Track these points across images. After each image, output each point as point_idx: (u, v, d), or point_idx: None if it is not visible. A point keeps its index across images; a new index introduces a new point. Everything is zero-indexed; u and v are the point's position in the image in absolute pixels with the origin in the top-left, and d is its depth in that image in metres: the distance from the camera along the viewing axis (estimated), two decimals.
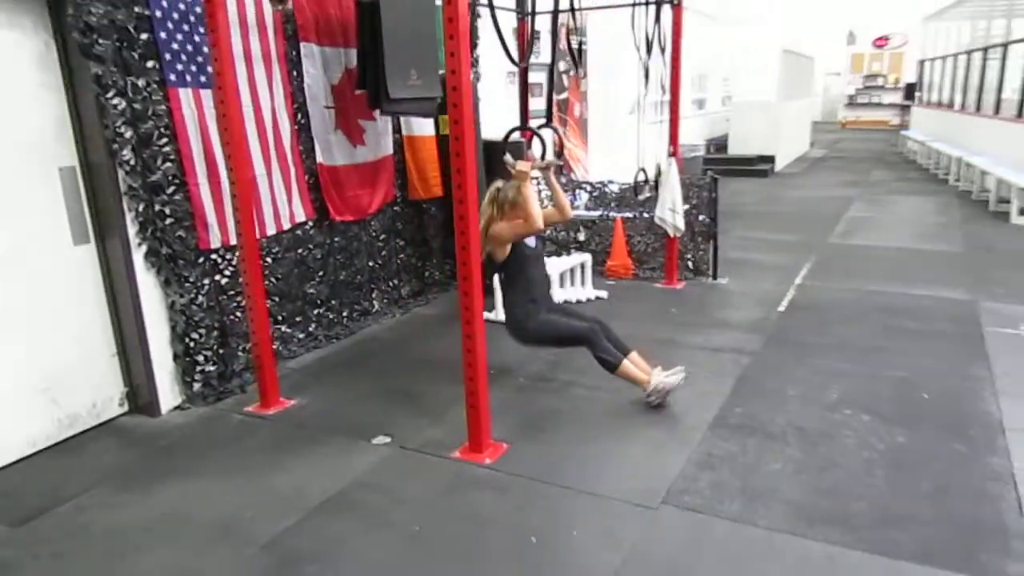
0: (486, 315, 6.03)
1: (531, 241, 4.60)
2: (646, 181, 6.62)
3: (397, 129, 6.27)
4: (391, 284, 6.40)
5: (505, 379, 4.80)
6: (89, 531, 3.32)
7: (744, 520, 3.22)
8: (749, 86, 16.53)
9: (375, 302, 6.22)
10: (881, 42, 25.85)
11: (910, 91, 22.89)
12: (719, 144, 16.10)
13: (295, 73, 5.25)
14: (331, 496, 3.50)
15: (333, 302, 5.77)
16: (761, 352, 5.21)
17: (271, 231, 5.13)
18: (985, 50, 13.87)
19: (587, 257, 6.67)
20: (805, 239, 8.80)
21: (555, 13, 6.07)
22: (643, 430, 4.10)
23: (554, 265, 6.30)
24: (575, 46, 5.95)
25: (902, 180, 13.92)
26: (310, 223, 5.48)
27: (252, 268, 4.31)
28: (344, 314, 5.88)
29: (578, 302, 6.39)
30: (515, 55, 5.74)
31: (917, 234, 9.04)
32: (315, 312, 5.62)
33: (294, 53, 5.22)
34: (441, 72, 5.78)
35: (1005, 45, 12.62)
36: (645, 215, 7.20)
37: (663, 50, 6.07)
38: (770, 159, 15.06)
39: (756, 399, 4.44)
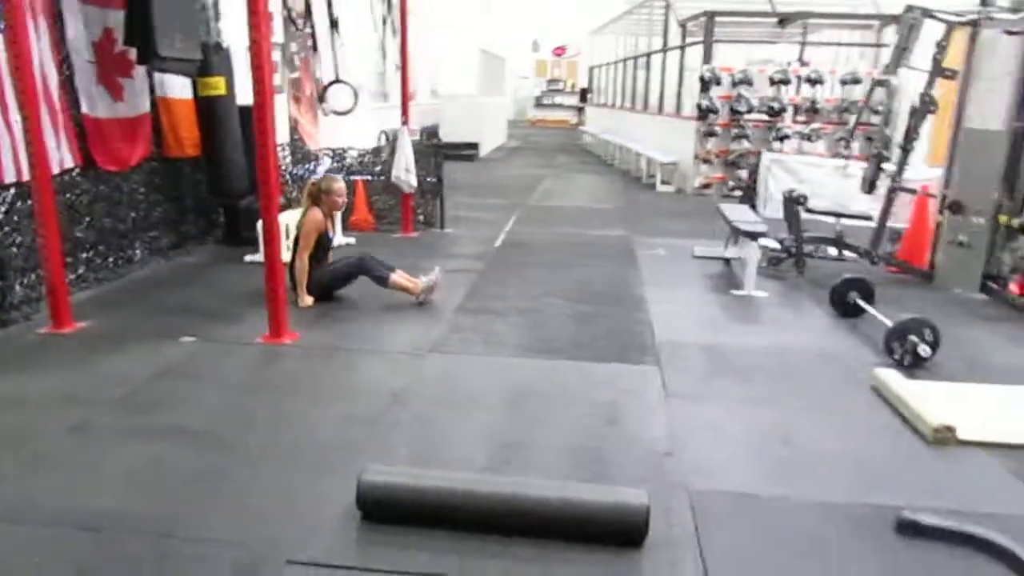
0: (252, 257, 6.83)
1: (331, 233, 5.81)
2: (388, 143, 7.82)
3: (152, 90, 6.72)
4: (152, 235, 6.82)
5: None
6: None
7: (487, 354, 4.60)
8: (453, 81, 18.46)
9: (138, 251, 6.62)
10: (559, 51, 29.82)
11: (584, 95, 26.83)
12: (431, 132, 17.77)
13: (59, 25, 5.57)
14: (157, 372, 4.20)
15: (100, 247, 6.11)
16: (484, 270, 6.72)
17: None
18: (635, 59, 17.25)
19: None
20: (510, 202, 10.67)
21: None
22: (404, 317, 5.33)
23: None
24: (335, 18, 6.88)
25: (581, 164, 16.82)
26: (77, 170, 5.81)
27: (44, 195, 4.71)
28: (110, 259, 6.25)
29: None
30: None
31: (592, 198, 11.44)
32: (84, 255, 5.94)
33: (56, 7, 5.54)
34: (203, 39, 6.47)
35: (648, 55, 15.90)
36: (381, 178, 8.40)
37: (395, 32, 7.31)
38: (475, 146, 17.09)
39: (484, 296, 5.90)
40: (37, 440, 3.35)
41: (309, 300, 5.51)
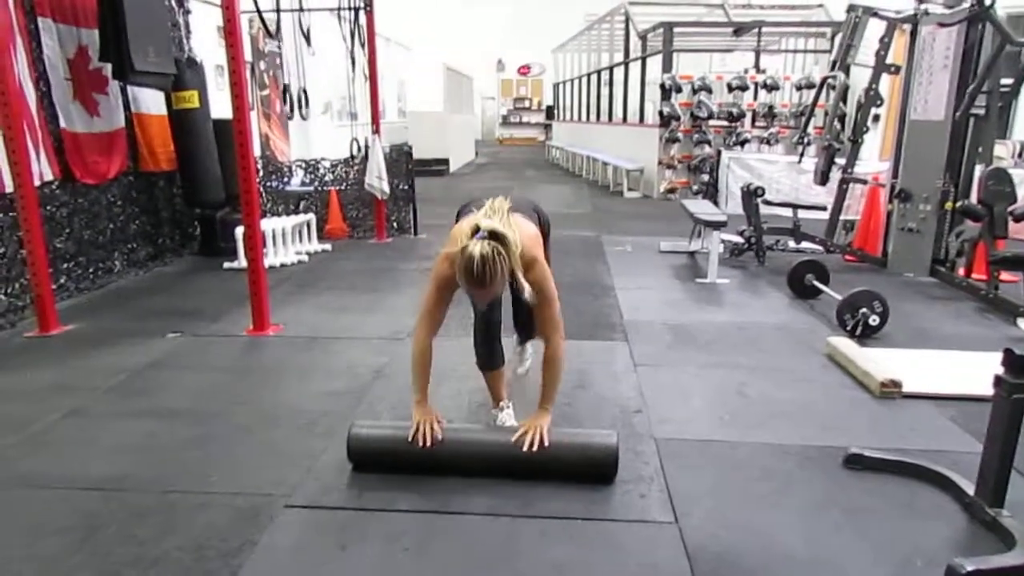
0: (231, 264, 6.97)
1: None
2: (359, 150, 8.10)
3: (127, 106, 6.89)
4: (130, 247, 6.95)
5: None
6: None
7: (464, 336, 4.79)
8: (420, 98, 18.83)
9: (117, 262, 6.75)
10: (524, 70, 30.35)
11: (550, 112, 27.31)
12: (398, 150, 18.05)
13: (35, 44, 5.75)
14: (146, 364, 4.35)
15: (80, 258, 6.24)
16: None
17: None
18: (598, 73, 17.71)
19: (312, 216, 7.90)
20: None
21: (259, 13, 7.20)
22: (381, 308, 5.54)
23: (286, 222, 7.42)
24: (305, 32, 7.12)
25: (548, 176, 17.19)
26: (56, 183, 5.95)
27: (30, 206, 4.87)
28: (91, 270, 6.37)
29: (308, 254, 7.58)
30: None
31: (560, 204, 11.75)
32: (64, 266, 6.06)
33: (32, 26, 5.72)
34: (175, 54, 6.67)
35: (611, 68, 16.36)
36: (354, 187, 8.64)
37: (363, 45, 7.57)
38: (445, 162, 17.37)
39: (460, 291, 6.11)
40: (36, 424, 3.49)
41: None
